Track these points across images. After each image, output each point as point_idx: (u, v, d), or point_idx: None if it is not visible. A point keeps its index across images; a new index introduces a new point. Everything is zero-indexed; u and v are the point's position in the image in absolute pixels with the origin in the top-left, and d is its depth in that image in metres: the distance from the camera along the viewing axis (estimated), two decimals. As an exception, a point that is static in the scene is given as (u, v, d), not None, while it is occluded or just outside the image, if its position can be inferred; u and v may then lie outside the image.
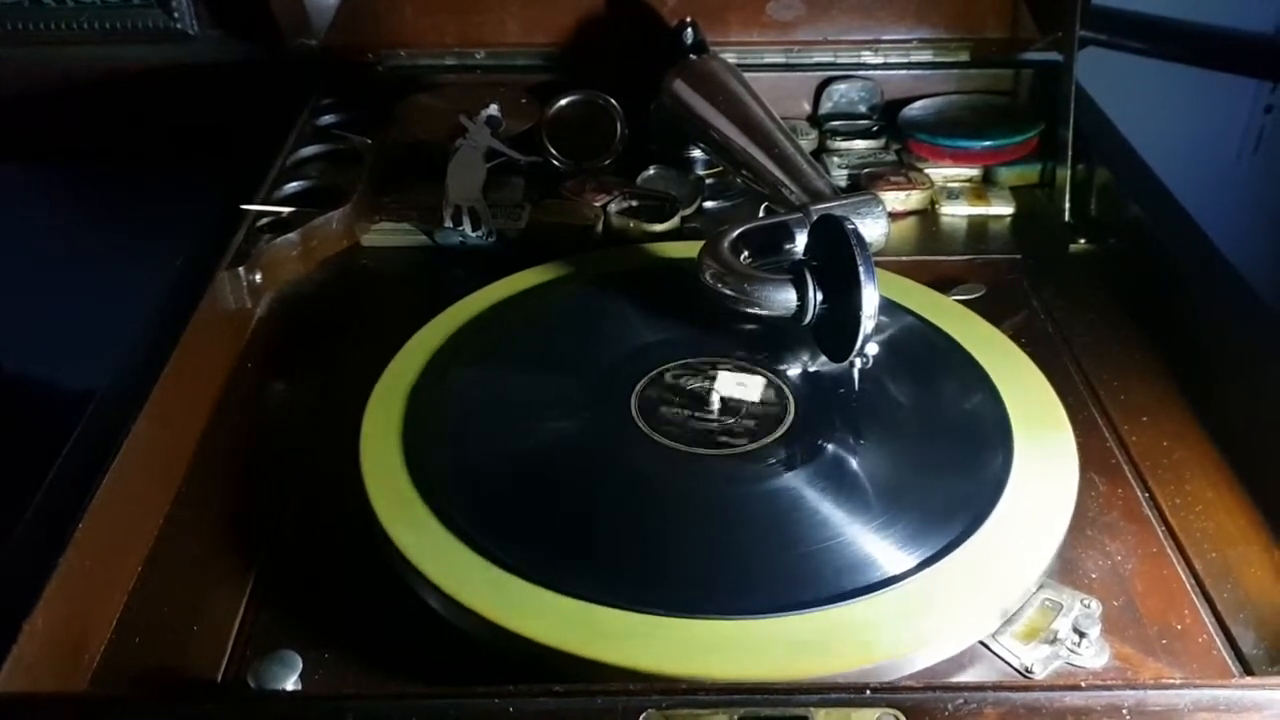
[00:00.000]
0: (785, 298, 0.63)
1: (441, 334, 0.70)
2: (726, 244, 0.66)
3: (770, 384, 0.64)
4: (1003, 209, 0.88)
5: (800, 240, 0.68)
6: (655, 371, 0.66)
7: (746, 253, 0.67)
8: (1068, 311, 0.77)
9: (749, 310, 0.64)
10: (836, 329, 0.63)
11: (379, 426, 0.62)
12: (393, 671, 0.52)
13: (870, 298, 0.59)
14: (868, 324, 0.60)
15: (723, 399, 0.63)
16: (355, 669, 0.52)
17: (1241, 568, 0.57)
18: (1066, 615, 0.54)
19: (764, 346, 0.68)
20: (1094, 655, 0.52)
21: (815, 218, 0.66)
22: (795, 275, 0.63)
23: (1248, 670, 0.52)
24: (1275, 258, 1.28)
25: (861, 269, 0.59)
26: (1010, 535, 0.56)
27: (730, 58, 0.91)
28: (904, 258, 0.82)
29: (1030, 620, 0.54)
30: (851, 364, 0.63)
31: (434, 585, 0.53)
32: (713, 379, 0.64)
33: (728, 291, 0.64)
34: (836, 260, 0.61)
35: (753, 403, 0.62)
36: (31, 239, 1.22)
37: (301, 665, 0.49)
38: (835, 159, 0.93)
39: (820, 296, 0.63)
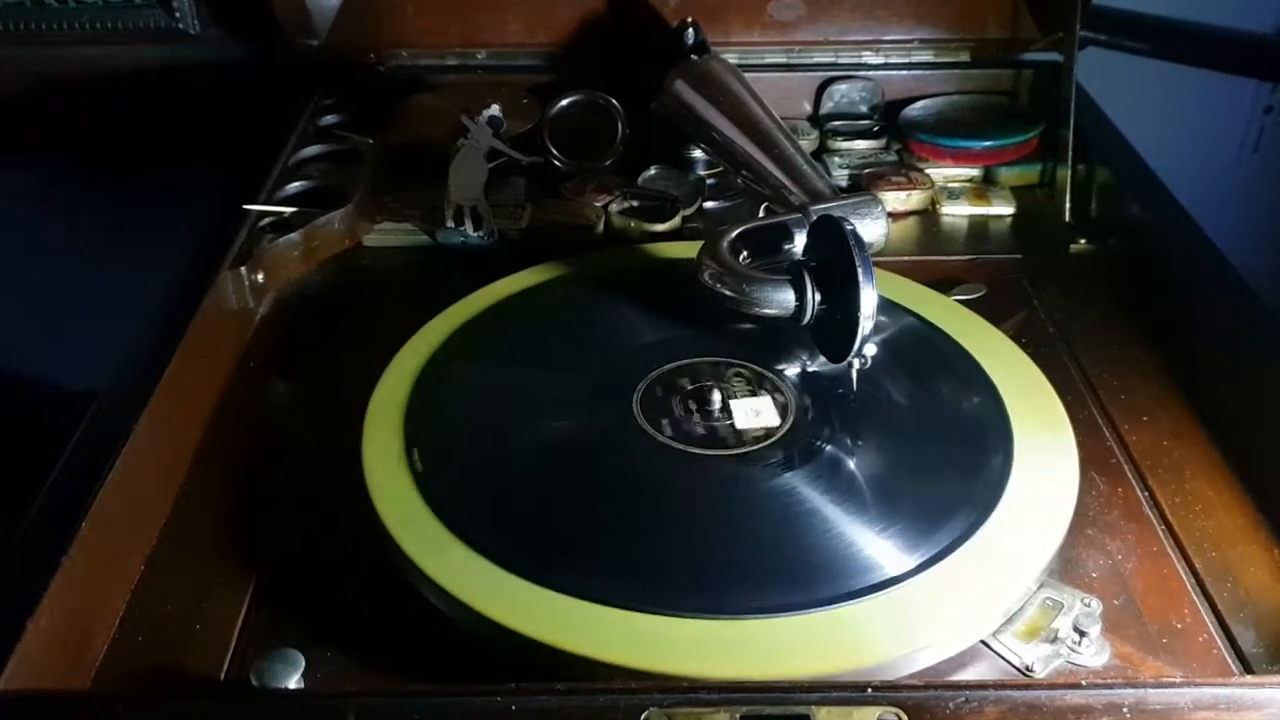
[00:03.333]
0: (783, 298, 0.63)
1: (443, 333, 0.70)
2: (725, 244, 0.66)
3: (777, 399, 0.63)
4: (1003, 209, 0.88)
5: (799, 240, 0.68)
6: (657, 371, 0.66)
7: (745, 253, 0.67)
8: (1068, 311, 0.77)
9: (747, 310, 0.65)
10: (835, 329, 0.63)
11: (381, 426, 0.63)
12: (395, 669, 0.53)
13: (868, 298, 0.59)
14: (866, 324, 0.60)
15: (735, 429, 0.62)
16: (357, 667, 0.53)
17: (1242, 566, 0.58)
18: (1067, 614, 0.54)
19: (764, 347, 0.68)
20: (1094, 654, 0.52)
21: (814, 218, 0.66)
22: (794, 276, 0.63)
23: (1248, 669, 0.52)
24: (1275, 258, 1.28)
25: (860, 269, 0.59)
26: (1011, 535, 0.56)
27: (731, 58, 0.91)
28: (905, 258, 0.82)
29: (1031, 619, 0.54)
30: (850, 364, 0.63)
31: (436, 584, 0.53)
32: (726, 408, 0.63)
33: (726, 292, 0.65)
34: (835, 261, 0.61)
35: (767, 427, 0.62)
36: (33, 238, 1.22)
37: (304, 663, 0.49)
38: (836, 159, 0.93)
39: (819, 297, 0.63)
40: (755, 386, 0.65)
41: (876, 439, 0.63)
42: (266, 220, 0.81)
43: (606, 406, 0.64)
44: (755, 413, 0.62)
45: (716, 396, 0.63)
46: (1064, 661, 0.52)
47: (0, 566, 0.52)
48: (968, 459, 0.61)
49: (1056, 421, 0.63)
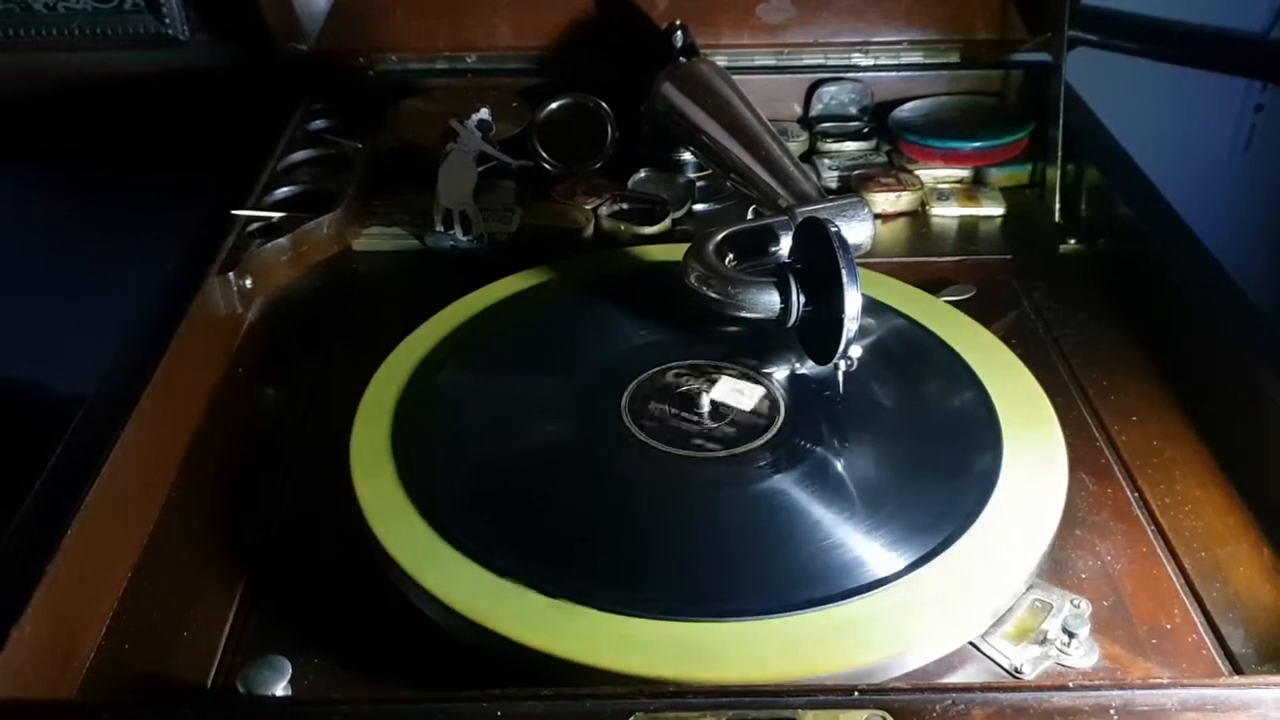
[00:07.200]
0: (769, 300, 0.63)
1: (432, 338, 0.70)
2: (711, 247, 0.66)
3: (767, 394, 0.63)
4: (993, 210, 0.88)
5: (786, 243, 0.68)
6: (646, 374, 0.66)
7: (732, 255, 0.67)
8: (1058, 312, 0.77)
9: (733, 313, 0.65)
10: (821, 331, 0.63)
11: (369, 431, 0.62)
12: (382, 676, 0.52)
13: (853, 300, 0.59)
14: (850, 326, 0.60)
15: (714, 402, 0.63)
16: (344, 674, 0.52)
17: (1231, 567, 0.58)
18: (1056, 615, 0.54)
19: (752, 349, 0.68)
20: (1083, 655, 0.53)
21: (800, 220, 0.66)
22: (779, 278, 0.63)
23: (1237, 669, 0.53)
24: (1265, 257, 1.28)
25: (844, 272, 0.59)
26: (1000, 536, 0.56)
27: (721, 60, 0.91)
28: (894, 259, 0.82)
29: (1020, 621, 0.54)
30: (836, 366, 0.63)
31: (423, 589, 0.53)
32: (712, 382, 0.63)
33: (712, 294, 0.65)
34: (820, 263, 0.61)
35: (742, 410, 0.62)
36: (22, 243, 1.22)
37: (291, 670, 0.49)
38: (826, 161, 0.93)
39: (803, 299, 0.63)
40: (740, 389, 0.65)
41: (865, 440, 0.63)
42: (255, 225, 0.81)
43: (595, 410, 0.64)
44: (739, 392, 0.62)
45: (705, 399, 0.63)
46: (1053, 663, 0.52)
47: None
48: (956, 460, 0.61)
49: (1045, 422, 0.63)
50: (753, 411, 0.63)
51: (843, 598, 0.52)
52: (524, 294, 0.75)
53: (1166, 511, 0.61)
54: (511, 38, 0.99)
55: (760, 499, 0.58)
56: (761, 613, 0.51)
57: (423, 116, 0.94)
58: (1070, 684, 0.47)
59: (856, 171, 0.92)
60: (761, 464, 0.60)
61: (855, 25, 0.98)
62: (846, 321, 0.60)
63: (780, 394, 0.65)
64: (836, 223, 0.61)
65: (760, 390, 0.63)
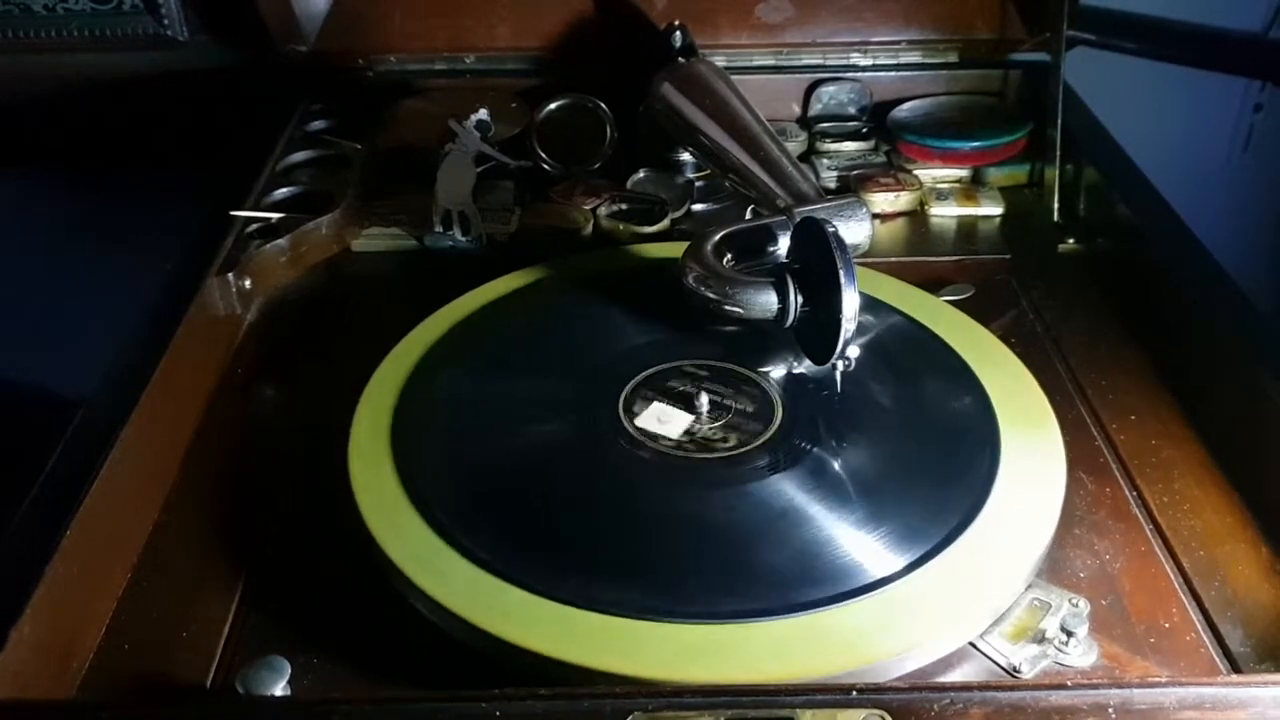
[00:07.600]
0: (766, 300, 0.63)
1: (430, 338, 0.70)
2: (709, 247, 0.66)
3: (697, 420, 0.63)
4: (992, 209, 0.88)
5: (784, 243, 0.68)
6: (644, 374, 0.66)
7: (730, 255, 0.67)
8: (1056, 311, 0.77)
9: (730, 313, 0.65)
10: (818, 331, 0.63)
11: (368, 431, 0.63)
12: (381, 676, 0.52)
13: (850, 300, 0.59)
14: (848, 326, 0.60)
15: (642, 428, 0.62)
16: (343, 674, 0.53)
17: (1229, 565, 0.58)
18: (1054, 615, 0.54)
19: (751, 349, 0.68)
20: (1082, 654, 0.53)
21: (798, 220, 0.66)
22: (776, 278, 0.63)
23: (1235, 668, 0.53)
24: (1265, 257, 1.28)
25: (841, 272, 0.59)
26: (998, 535, 0.56)
27: (719, 60, 0.91)
28: (893, 258, 0.82)
29: (1018, 620, 0.54)
30: (834, 366, 0.63)
31: (422, 590, 0.53)
32: (713, 411, 0.63)
33: (709, 294, 0.65)
34: (818, 263, 0.61)
35: (667, 438, 0.62)
36: (20, 244, 1.21)
37: (290, 670, 0.49)
38: (825, 161, 0.93)
39: (801, 299, 0.63)
40: (737, 390, 0.65)
41: (863, 440, 0.63)
42: (254, 226, 0.81)
43: (593, 409, 0.64)
44: (659, 420, 0.62)
45: (704, 399, 0.63)
46: (1051, 662, 0.52)
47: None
48: (955, 459, 0.61)
49: (1044, 421, 0.63)
50: (751, 411, 0.63)
51: (841, 598, 0.52)
52: (522, 294, 0.75)
53: (1165, 510, 0.61)
54: (510, 38, 0.99)
55: (759, 499, 0.58)
56: (759, 614, 0.51)
57: (421, 117, 0.94)
58: (1068, 683, 0.47)
59: (855, 171, 0.92)
60: (759, 464, 0.60)
61: (854, 25, 0.98)
62: (844, 322, 0.60)
63: (776, 391, 0.65)
64: (834, 223, 0.61)
65: (689, 418, 0.63)
